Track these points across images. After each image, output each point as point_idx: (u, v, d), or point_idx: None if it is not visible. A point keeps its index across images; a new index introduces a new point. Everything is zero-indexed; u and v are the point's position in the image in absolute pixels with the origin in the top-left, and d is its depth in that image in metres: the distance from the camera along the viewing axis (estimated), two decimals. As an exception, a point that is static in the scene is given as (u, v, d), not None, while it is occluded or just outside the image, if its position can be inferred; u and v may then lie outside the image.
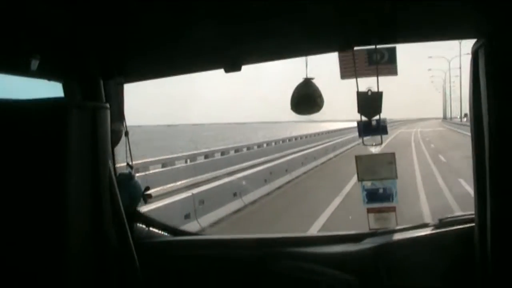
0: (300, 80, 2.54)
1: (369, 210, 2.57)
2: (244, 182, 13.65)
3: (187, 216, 10.08)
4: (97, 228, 1.71)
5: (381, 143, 2.47)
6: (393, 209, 2.56)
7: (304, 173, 19.43)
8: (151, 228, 2.71)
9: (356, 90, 2.42)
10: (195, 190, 11.29)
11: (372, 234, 2.51)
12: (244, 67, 2.54)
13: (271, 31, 2.23)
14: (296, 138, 38.58)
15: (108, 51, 2.38)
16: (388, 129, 2.50)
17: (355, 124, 2.49)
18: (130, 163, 2.55)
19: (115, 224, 1.91)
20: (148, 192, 2.58)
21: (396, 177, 2.52)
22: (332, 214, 11.50)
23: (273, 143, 33.09)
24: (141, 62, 2.62)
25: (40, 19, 1.98)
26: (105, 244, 1.78)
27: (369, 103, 2.41)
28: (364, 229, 2.57)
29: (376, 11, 2.04)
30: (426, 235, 2.37)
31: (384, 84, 2.42)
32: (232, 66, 2.51)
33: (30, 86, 2.40)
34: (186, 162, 21.84)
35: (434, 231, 2.37)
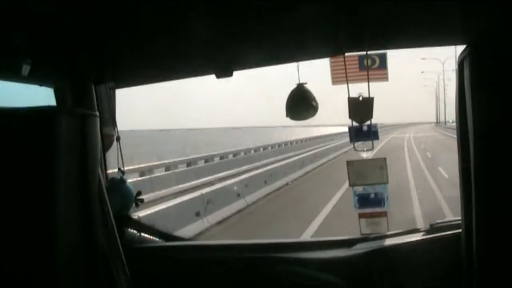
0: (292, 84, 2.55)
1: (360, 215, 2.58)
2: (212, 197, 11.32)
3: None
4: (86, 235, 1.70)
5: (372, 148, 2.48)
6: (384, 214, 2.57)
7: (286, 184, 17.21)
8: (142, 234, 2.70)
9: (347, 95, 2.43)
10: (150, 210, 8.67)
11: (364, 239, 2.52)
12: (236, 73, 2.55)
13: (262, 36, 2.24)
14: (286, 143, 37.26)
15: (99, 56, 2.38)
16: (379, 134, 2.51)
17: (347, 129, 2.50)
18: (122, 168, 2.55)
19: (105, 230, 1.91)
20: (140, 197, 2.57)
21: (387, 182, 2.54)
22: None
23: (261, 149, 31.67)
24: (132, 68, 2.62)
25: (31, 24, 1.97)
26: (95, 250, 1.78)
27: (360, 108, 2.42)
28: (356, 234, 2.58)
29: (367, 17, 2.06)
30: (417, 240, 2.38)
31: (375, 87, 2.42)
32: (224, 71, 2.52)
33: (22, 91, 2.39)
34: (166, 170, 19.91)
35: (424, 237, 2.38)
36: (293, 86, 2.53)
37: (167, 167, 20.28)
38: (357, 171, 2.53)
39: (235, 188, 13.34)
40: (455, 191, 1.95)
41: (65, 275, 1.59)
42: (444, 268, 2.19)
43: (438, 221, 2.46)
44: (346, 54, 2.43)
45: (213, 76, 2.57)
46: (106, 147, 2.53)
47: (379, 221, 2.57)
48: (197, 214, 10.49)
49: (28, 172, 1.50)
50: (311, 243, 2.75)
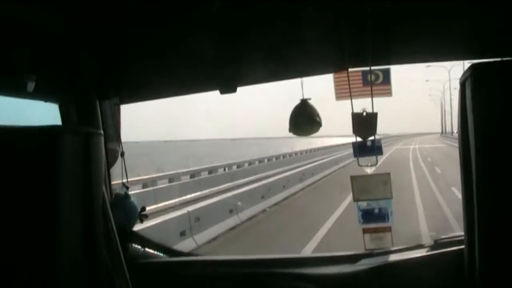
0: (296, 98, 2.56)
1: (364, 230, 2.57)
2: (196, 220, 10.84)
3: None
4: (89, 251, 1.71)
5: (376, 163, 2.48)
6: (388, 229, 2.56)
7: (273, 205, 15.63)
8: (146, 249, 2.70)
9: (351, 110, 2.44)
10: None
11: (368, 254, 2.51)
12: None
13: (266, 54, 2.25)
14: (284, 156, 36.39)
15: (104, 72, 2.39)
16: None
17: (350, 139, 2.50)
18: (126, 183, 2.55)
19: (108, 246, 1.91)
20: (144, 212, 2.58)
21: (391, 197, 2.53)
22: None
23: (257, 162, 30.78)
24: (137, 84, 2.63)
25: (36, 40, 1.99)
26: (98, 265, 1.78)
27: (364, 123, 2.42)
28: (360, 250, 2.57)
29: (370, 33, 2.07)
30: (421, 257, 2.37)
31: (378, 98, 2.41)
32: (228, 87, 2.53)
33: (27, 108, 2.40)
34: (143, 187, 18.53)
35: (429, 252, 2.37)
36: (298, 96, 2.55)
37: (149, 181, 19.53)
38: (361, 186, 2.52)
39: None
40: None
41: None
42: (448, 284, 2.17)
43: (443, 236, 2.45)
44: (350, 69, 2.43)
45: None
46: (110, 162, 2.54)
47: (384, 236, 2.56)
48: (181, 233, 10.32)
49: (32, 190, 1.50)
50: (314, 258, 2.74)
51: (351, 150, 2.52)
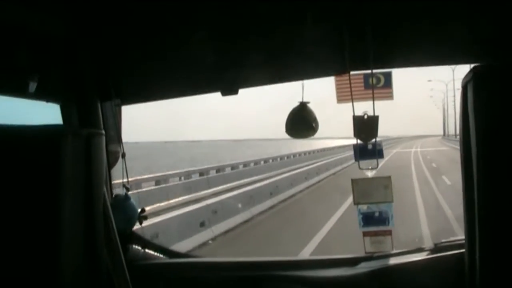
0: (295, 100, 2.56)
1: (365, 234, 2.56)
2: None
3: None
4: (90, 252, 1.71)
5: (377, 166, 2.48)
6: (389, 232, 2.56)
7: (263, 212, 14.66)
8: (146, 250, 2.70)
9: (352, 113, 2.44)
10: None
11: (368, 258, 2.51)
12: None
13: (268, 55, 2.26)
14: (282, 158, 35.34)
15: (106, 73, 2.40)
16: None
17: (350, 142, 2.50)
18: (127, 184, 2.55)
19: (109, 247, 1.91)
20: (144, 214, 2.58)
21: (392, 200, 2.53)
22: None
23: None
24: (138, 85, 2.63)
25: (38, 41, 1.99)
26: (99, 266, 1.78)
27: (365, 127, 2.42)
28: (360, 253, 2.56)
29: (372, 36, 2.07)
30: (421, 260, 2.37)
31: (378, 100, 2.39)
32: (229, 89, 2.54)
33: (29, 108, 2.40)
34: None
35: (429, 256, 2.37)
36: (298, 98, 2.54)
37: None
38: (361, 189, 2.52)
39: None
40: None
41: None
42: (448, 287, 2.17)
43: (443, 240, 2.45)
44: (351, 72, 2.44)
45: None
46: (111, 163, 2.54)
47: (384, 240, 2.56)
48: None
49: (33, 190, 1.50)
50: (314, 261, 2.74)
51: (351, 152, 2.52)
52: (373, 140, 2.46)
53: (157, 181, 19.86)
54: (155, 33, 2.08)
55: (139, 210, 2.55)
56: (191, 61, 2.30)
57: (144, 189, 17.69)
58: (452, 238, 2.46)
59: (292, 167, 27.99)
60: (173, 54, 2.28)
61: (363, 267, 2.43)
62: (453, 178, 15.78)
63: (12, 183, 1.48)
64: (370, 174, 2.51)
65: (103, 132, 1.85)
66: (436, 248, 2.40)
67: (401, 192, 11.61)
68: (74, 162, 1.56)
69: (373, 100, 2.40)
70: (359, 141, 2.46)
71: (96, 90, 2.45)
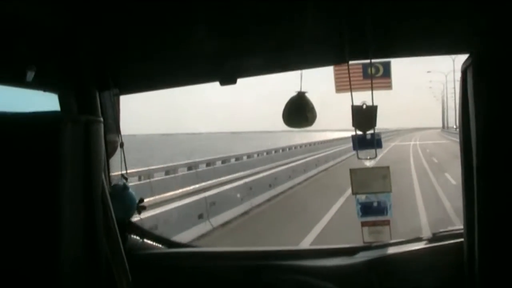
0: (295, 87, 2.55)
1: (363, 224, 2.57)
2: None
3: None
4: (89, 240, 1.71)
5: (376, 156, 2.48)
6: (387, 222, 2.56)
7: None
8: (145, 240, 2.70)
9: (351, 103, 2.43)
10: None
11: (366, 247, 2.52)
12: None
13: (266, 46, 2.25)
14: (277, 150, 34.81)
15: (104, 62, 2.39)
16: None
17: (349, 134, 2.50)
18: (125, 174, 2.55)
19: (108, 235, 1.91)
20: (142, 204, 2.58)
21: (390, 190, 2.53)
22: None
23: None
24: (137, 74, 2.63)
25: (36, 30, 1.98)
26: (98, 255, 1.78)
27: (364, 117, 2.42)
28: (358, 243, 2.57)
29: (371, 26, 2.07)
30: (419, 249, 2.38)
31: (377, 91, 2.38)
32: (228, 79, 2.53)
33: (26, 97, 2.40)
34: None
35: (427, 245, 2.38)
36: (295, 90, 2.53)
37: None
38: (360, 179, 2.53)
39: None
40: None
41: (68, 280, 1.59)
42: (446, 276, 2.18)
43: (441, 230, 2.46)
44: (350, 62, 2.43)
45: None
46: (109, 153, 2.53)
47: (382, 230, 2.56)
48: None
49: (31, 178, 1.50)
50: (313, 250, 2.75)
51: (351, 144, 2.52)
52: (372, 130, 2.46)
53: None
54: (153, 21, 2.07)
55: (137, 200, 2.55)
56: (189, 50, 2.29)
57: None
58: (450, 228, 2.47)
59: (292, 159, 28.06)
60: (171, 43, 2.27)
61: (361, 257, 2.44)
62: (456, 175, 11.96)
63: (11, 169, 1.47)
64: (368, 164, 2.51)
65: (101, 119, 1.84)
66: (434, 238, 2.40)
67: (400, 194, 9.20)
68: (73, 148, 1.55)
69: (372, 90, 2.39)
70: (358, 132, 2.46)
71: (94, 80, 2.44)
